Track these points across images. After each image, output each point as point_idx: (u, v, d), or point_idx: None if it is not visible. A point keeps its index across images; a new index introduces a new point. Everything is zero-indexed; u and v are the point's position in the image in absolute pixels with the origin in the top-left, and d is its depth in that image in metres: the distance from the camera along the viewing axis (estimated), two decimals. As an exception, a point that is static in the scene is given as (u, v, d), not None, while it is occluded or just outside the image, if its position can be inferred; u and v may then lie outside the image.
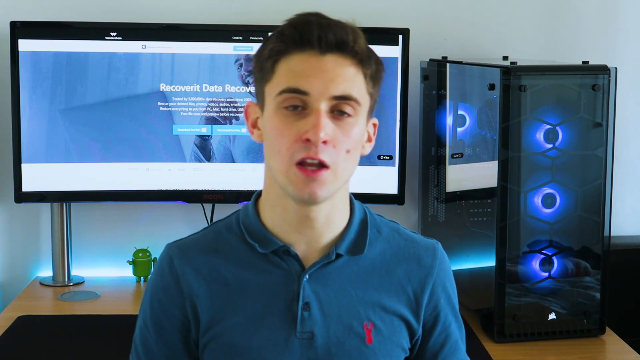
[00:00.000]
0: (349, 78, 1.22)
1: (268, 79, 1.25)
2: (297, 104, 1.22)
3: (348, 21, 1.25)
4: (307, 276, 1.30)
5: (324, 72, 1.21)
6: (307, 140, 1.20)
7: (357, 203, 1.36)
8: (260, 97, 1.28)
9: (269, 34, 1.28)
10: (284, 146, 1.22)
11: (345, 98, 1.22)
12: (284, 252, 1.30)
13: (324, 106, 1.21)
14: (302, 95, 1.21)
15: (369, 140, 1.32)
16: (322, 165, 1.21)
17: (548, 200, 2.05)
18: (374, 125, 1.33)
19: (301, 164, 1.21)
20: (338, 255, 1.31)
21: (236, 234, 1.33)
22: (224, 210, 2.36)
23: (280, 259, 1.30)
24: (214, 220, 2.27)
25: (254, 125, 1.31)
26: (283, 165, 1.22)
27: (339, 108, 1.22)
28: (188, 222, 2.47)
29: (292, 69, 1.22)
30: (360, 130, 1.25)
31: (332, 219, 1.30)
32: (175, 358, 1.33)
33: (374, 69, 1.26)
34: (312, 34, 1.21)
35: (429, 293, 1.34)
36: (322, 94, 1.21)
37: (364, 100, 1.25)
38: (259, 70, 1.27)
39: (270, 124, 1.24)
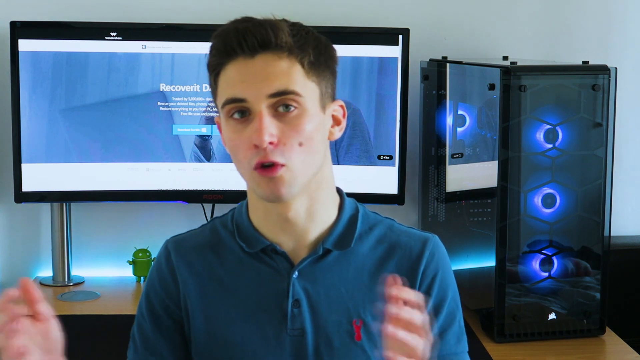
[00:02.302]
0: (282, 73, 1.22)
1: (216, 93, 1.27)
2: (241, 110, 1.22)
3: (269, 17, 1.25)
4: (296, 273, 1.30)
5: (255, 75, 1.21)
6: (256, 146, 1.20)
7: (349, 200, 1.36)
8: (218, 111, 1.29)
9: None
10: (240, 155, 1.23)
11: (282, 94, 1.21)
12: (271, 251, 1.31)
13: (264, 107, 1.21)
14: (241, 103, 1.22)
15: (338, 123, 1.30)
16: (275, 165, 1.21)
17: (548, 200, 2.05)
18: (341, 106, 1.31)
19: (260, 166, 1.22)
20: (327, 251, 1.31)
21: (230, 232, 1.35)
22: (224, 211, 2.34)
23: (268, 257, 1.31)
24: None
25: None
26: (245, 172, 1.25)
27: (282, 103, 1.22)
28: (188, 222, 2.46)
29: (228, 80, 1.24)
30: (312, 121, 1.23)
31: (315, 214, 1.30)
32: (173, 349, 1.34)
33: (312, 56, 1.24)
34: (232, 42, 1.22)
35: (418, 282, 1.33)
36: (258, 96, 1.21)
37: (308, 89, 1.23)
38: (210, 86, 1.30)
39: (225, 136, 1.26)
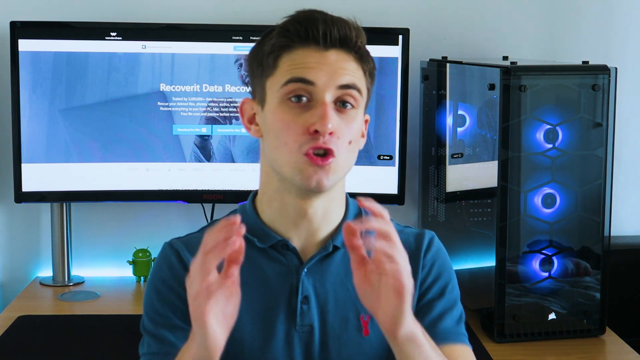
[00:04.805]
0: (351, 71, 1.25)
1: (270, 73, 1.27)
2: (302, 94, 1.23)
3: (349, 18, 1.28)
4: (305, 270, 1.31)
5: (327, 65, 1.24)
6: (315, 132, 1.22)
7: (351, 200, 1.38)
8: (260, 92, 1.29)
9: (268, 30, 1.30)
10: (290, 138, 1.23)
11: (349, 87, 1.24)
12: (282, 246, 1.32)
13: (329, 97, 1.23)
14: (307, 85, 1.23)
15: (362, 135, 1.33)
16: (328, 154, 1.23)
17: (548, 200, 2.06)
18: (366, 121, 1.35)
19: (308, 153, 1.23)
20: (335, 248, 1.32)
21: None
22: (224, 210, 2.36)
23: (278, 253, 1.32)
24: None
25: (251, 121, 1.32)
26: (291, 157, 1.24)
27: (343, 99, 1.25)
28: (188, 222, 2.47)
29: (296, 62, 1.24)
30: (360, 123, 1.28)
31: (329, 212, 1.32)
32: None
33: (371, 66, 1.30)
34: (317, 30, 1.24)
35: (420, 272, 1.35)
36: (327, 84, 1.23)
37: (365, 93, 1.29)
38: (259, 66, 1.29)
39: (274, 117, 1.26)
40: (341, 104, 1.25)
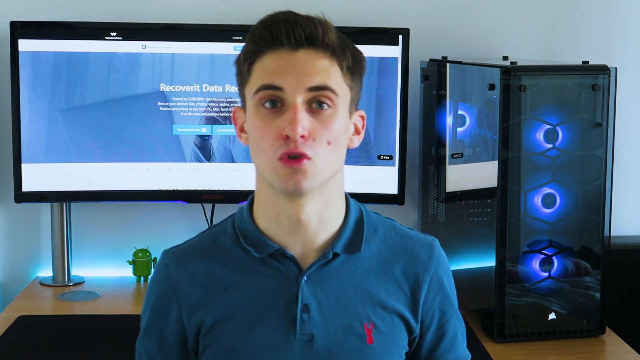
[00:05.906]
0: (323, 70, 1.23)
1: (246, 81, 1.27)
2: (274, 100, 1.23)
3: (318, 15, 1.26)
4: (305, 278, 1.29)
5: (296, 67, 1.22)
6: (287, 137, 1.21)
7: (352, 202, 1.36)
8: (242, 100, 1.30)
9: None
10: (266, 144, 1.23)
11: (321, 88, 1.22)
12: (279, 255, 1.30)
13: (299, 100, 1.22)
14: (277, 91, 1.22)
15: (357, 132, 1.32)
16: (302, 156, 1.21)
17: (548, 200, 2.06)
18: (362, 117, 1.33)
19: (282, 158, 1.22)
20: (335, 255, 1.31)
21: (232, 238, 1.33)
22: (224, 210, 2.36)
23: (277, 262, 1.30)
24: (213, 221, 2.27)
25: (242, 130, 1.32)
26: (268, 162, 1.23)
27: (317, 100, 1.23)
28: (188, 222, 2.47)
29: (266, 68, 1.23)
30: (341, 122, 1.25)
31: (326, 217, 1.30)
32: None
33: (350, 61, 1.26)
34: (280, 32, 1.22)
35: (426, 290, 1.34)
36: (297, 87, 1.22)
37: (342, 91, 1.25)
38: (239, 74, 1.29)
39: (251, 124, 1.26)
40: (317, 104, 1.23)
